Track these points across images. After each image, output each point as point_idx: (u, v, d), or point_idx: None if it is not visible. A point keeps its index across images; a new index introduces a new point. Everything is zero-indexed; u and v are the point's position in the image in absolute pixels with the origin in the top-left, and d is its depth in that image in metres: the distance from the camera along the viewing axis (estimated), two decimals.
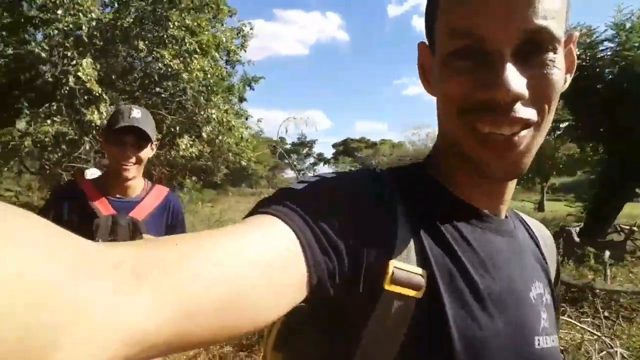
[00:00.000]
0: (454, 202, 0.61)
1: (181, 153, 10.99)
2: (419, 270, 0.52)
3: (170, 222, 1.94)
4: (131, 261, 0.34)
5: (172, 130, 11.01)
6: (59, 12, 8.40)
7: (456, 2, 0.53)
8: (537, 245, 0.71)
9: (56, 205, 1.78)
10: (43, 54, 8.77)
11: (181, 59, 9.92)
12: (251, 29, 12.69)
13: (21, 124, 9.32)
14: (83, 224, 1.71)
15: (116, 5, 10.07)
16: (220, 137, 11.59)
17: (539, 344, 0.59)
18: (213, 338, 0.39)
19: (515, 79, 0.50)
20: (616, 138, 8.43)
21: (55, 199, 1.82)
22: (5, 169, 11.05)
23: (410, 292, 0.51)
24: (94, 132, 9.40)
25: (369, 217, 0.52)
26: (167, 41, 9.79)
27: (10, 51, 8.95)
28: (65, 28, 8.65)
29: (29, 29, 8.77)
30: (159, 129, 10.25)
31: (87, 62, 8.61)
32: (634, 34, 8.08)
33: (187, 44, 9.76)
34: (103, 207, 1.79)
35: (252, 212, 0.51)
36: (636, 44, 8.06)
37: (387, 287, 0.50)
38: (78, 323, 0.28)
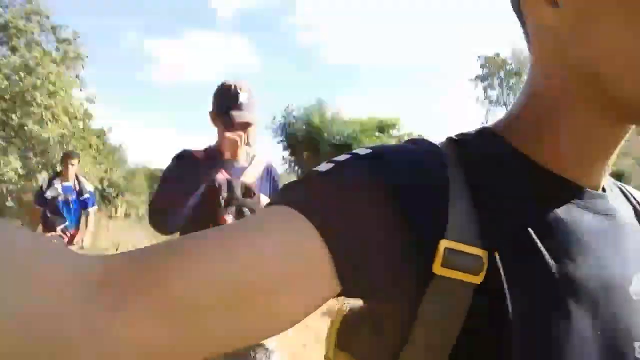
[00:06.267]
0: (529, 168, 0.48)
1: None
2: (478, 250, 0.42)
3: (270, 188, 2.03)
4: (120, 275, 0.32)
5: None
6: None
7: None
8: None
9: (178, 170, 1.85)
10: None
11: (45, 125, 15.58)
12: (95, 97, 19.30)
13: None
14: (203, 187, 1.79)
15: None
16: None
17: None
18: (230, 341, 0.38)
19: None
20: None
21: (176, 165, 1.89)
22: None
23: (467, 277, 0.41)
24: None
25: (413, 190, 0.43)
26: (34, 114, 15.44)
27: None
28: None
29: None
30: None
31: None
32: None
33: (48, 116, 15.47)
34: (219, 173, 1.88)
35: (272, 201, 0.46)
36: None
37: (437, 271, 0.41)
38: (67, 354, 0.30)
